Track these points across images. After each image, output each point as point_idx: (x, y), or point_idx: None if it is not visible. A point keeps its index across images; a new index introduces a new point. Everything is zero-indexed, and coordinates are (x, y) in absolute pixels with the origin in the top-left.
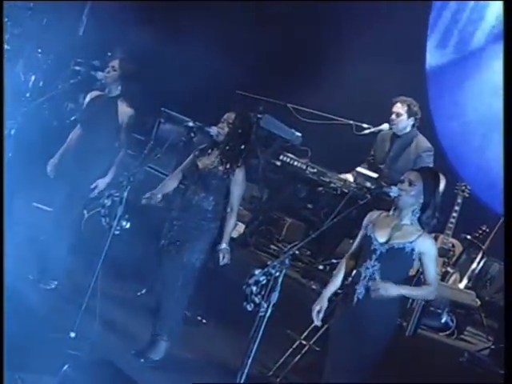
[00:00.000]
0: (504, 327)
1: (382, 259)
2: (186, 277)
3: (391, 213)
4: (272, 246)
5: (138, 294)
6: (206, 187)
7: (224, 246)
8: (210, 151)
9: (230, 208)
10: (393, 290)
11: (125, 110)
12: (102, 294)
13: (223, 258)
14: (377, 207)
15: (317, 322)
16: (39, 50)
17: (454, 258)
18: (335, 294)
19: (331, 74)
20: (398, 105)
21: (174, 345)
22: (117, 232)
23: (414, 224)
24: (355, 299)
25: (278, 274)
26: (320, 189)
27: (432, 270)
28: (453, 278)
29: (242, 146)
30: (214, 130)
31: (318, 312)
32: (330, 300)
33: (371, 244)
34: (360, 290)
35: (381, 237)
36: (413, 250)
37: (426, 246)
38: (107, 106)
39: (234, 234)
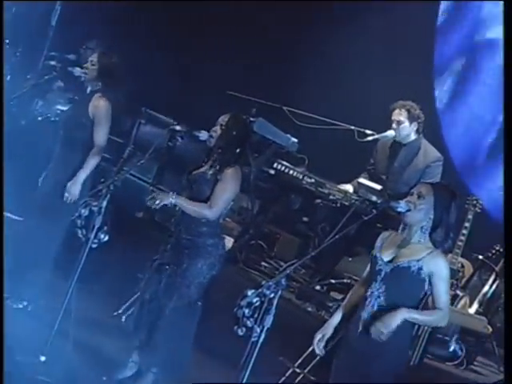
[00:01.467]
0: (504, 328)
1: (387, 280)
2: (180, 304)
3: (400, 230)
4: (263, 263)
5: (115, 313)
6: (197, 194)
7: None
8: (206, 160)
9: (209, 203)
10: (396, 318)
11: (98, 104)
12: (77, 315)
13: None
14: (381, 223)
15: (318, 351)
16: (7, 41)
17: (464, 280)
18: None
19: (332, 76)
20: (397, 111)
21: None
22: (94, 245)
23: (425, 242)
24: (360, 327)
25: (272, 295)
26: (317, 201)
27: (444, 292)
28: (462, 302)
29: (237, 150)
30: (203, 135)
31: (320, 340)
32: (335, 329)
33: (376, 264)
34: (365, 316)
35: (386, 256)
36: (420, 269)
37: (437, 265)
38: (82, 103)
39: None
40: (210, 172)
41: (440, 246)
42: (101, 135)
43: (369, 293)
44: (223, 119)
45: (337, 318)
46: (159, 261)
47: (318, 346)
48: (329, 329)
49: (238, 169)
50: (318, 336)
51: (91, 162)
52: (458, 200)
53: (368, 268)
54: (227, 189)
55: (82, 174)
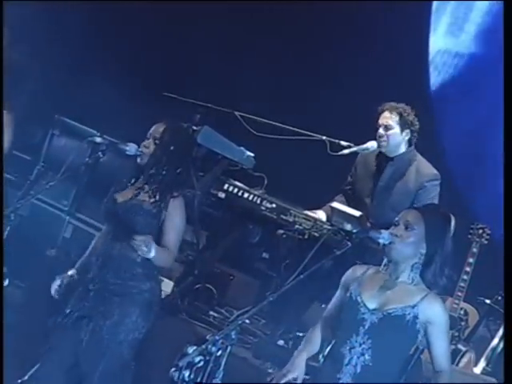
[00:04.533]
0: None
1: (374, 333)
2: (110, 368)
3: (382, 268)
4: (212, 313)
5: (19, 381)
6: (130, 228)
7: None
8: (133, 180)
9: (164, 246)
10: None
11: None
12: None
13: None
14: (361, 259)
15: None
16: None
17: (468, 331)
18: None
19: (302, 77)
20: (387, 114)
21: None
22: None
23: (416, 283)
24: None
25: (220, 352)
26: (280, 231)
27: (443, 346)
28: (465, 358)
29: (178, 170)
30: (131, 148)
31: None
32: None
33: (357, 312)
34: (344, 379)
35: (371, 301)
36: (416, 317)
37: (434, 312)
38: None
39: None
40: (148, 200)
41: (433, 287)
42: None
43: (347, 348)
44: (157, 130)
45: (303, 356)
46: (77, 313)
47: None
48: (300, 366)
49: (181, 198)
50: (290, 376)
51: None
52: (452, 224)
53: (332, 306)
54: (178, 225)
55: None
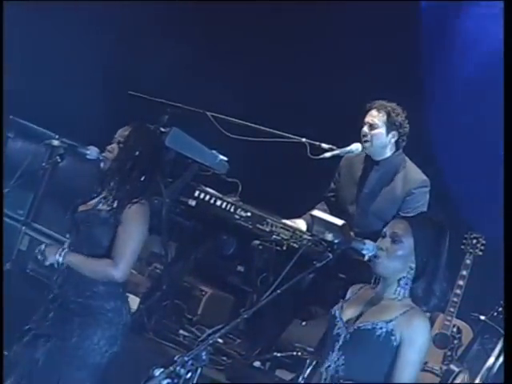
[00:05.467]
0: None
1: (347, 349)
2: None
3: (372, 282)
4: (182, 331)
5: None
6: (87, 240)
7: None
8: (100, 189)
9: (112, 256)
10: None
11: None
12: None
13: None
14: (345, 273)
15: None
16: None
17: (461, 350)
18: None
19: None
20: (374, 112)
21: None
22: None
23: (402, 298)
24: None
25: (190, 374)
26: (256, 242)
27: (408, 373)
28: (459, 380)
29: (143, 177)
30: (92, 152)
31: None
32: None
33: (334, 327)
34: None
35: (348, 316)
36: (390, 333)
37: (410, 330)
38: None
39: None
40: (105, 209)
41: (423, 304)
42: None
43: (324, 367)
44: (122, 133)
45: None
46: (34, 331)
47: None
48: None
49: (144, 204)
50: None
51: None
52: (446, 234)
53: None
54: (133, 235)
55: None
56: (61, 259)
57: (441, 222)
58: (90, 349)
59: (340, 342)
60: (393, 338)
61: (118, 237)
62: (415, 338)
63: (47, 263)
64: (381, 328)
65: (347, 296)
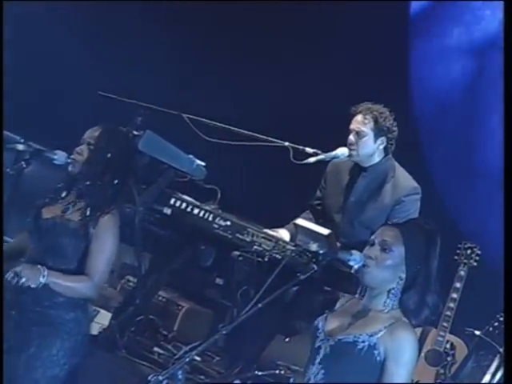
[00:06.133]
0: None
1: (327, 362)
2: None
3: (358, 293)
4: (156, 349)
5: None
6: (53, 249)
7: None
8: (65, 194)
9: (87, 275)
10: None
11: None
12: None
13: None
14: (331, 285)
15: None
16: None
17: (455, 368)
18: None
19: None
20: (359, 118)
21: None
22: None
23: (390, 310)
24: None
25: None
26: (236, 253)
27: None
28: None
29: (115, 181)
30: (60, 157)
31: None
32: None
33: (316, 339)
34: None
35: (331, 328)
36: (373, 347)
37: (395, 344)
38: None
39: (94, 330)
40: (75, 219)
41: (413, 317)
42: None
43: (305, 380)
44: (91, 135)
45: None
46: None
47: None
48: None
49: (115, 214)
50: None
51: None
52: (438, 241)
53: None
54: (106, 248)
55: None
56: (43, 280)
57: (432, 229)
58: (48, 359)
59: (320, 355)
60: (376, 352)
61: (91, 251)
62: (401, 352)
63: (28, 284)
64: (363, 342)
65: (335, 308)
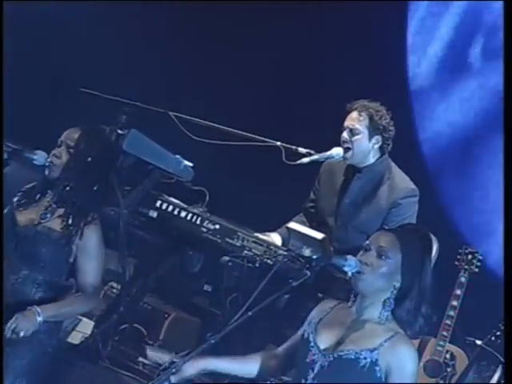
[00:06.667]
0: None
1: (324, 378)
2: None
3: (350, 302)
4: (141, 359)
5: None
6: (30, 258)
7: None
8: (38, 196)
9: (81, 291)
10: None
11: None
12: None
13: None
14: (324, 291)
15: None
16: None
17: (455, 379)
18: None
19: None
20: (354, 115)
21: None
22: None
23: (385, 321)
24: None
25: None
26: (225, 259)
27: None
28: None
29: (95, 187)
30: (40, 157)
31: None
32: None
33: (308, 353)
34: None
35: (324, 341)
36: (375, 363)
37: (397, 358)
38: None
39: (76, 339)
40: (57, 228)
41: (407, 327)
42: None
43: None
44: (70, 136)
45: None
46: None
47: None
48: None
49: (97, 223)
50: None
51: None
52: (435, 248)
53: (290, 343)
54: (96, 260)
55: None
56: (41, 319)
57: (427, 235)
58: (18, 370)
59: (315, 371)
60: (377, 368)
61: (81, 266)
62: (403, 366)
63: (30, 332)
64: (365, 358)
65: (315, 314)
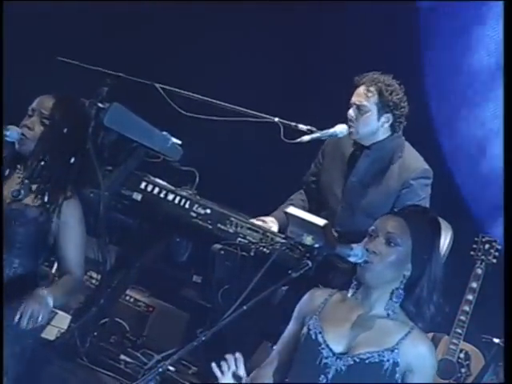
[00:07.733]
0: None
1: (339, 382)
2: None
3: (350, 293)
4: (123, 357)
5: None
6: (7, 242)
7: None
8: (8, 171)
9: (64, 272)
10: None
11: None
12: None
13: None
14: (325, 284)
15: None
16: None
17: (470, 380)
18: None
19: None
20: (362, 90)
21: None
22: None
23: (396, 315)
24: None
25: None
26: (217, 247)
27: None
28: None
29: (72, 160)
30: (13, 133)
31: None
32: None
33: (318, 355)
34: None
35: (337, 342)
36: (396, 364)
37: (417, 356)
38: None
39: (51, 334)
40: (33, 204)
41: (418, 320)
42: None
43: None
44: (44, 104)
45: None
46: None
47: None
48: None
49: (77, 199)
50: None
51: None
52: (449, 236)
53: (282, 345)
54: (78, 238)
55: None
56: (51, 302)
57: (436, 219)
58: None
59: (330, 376)
60: (398, 368)
61: (65, 245)
62: (425, 364)
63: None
64: (388, 360)
65: (305, 304)
